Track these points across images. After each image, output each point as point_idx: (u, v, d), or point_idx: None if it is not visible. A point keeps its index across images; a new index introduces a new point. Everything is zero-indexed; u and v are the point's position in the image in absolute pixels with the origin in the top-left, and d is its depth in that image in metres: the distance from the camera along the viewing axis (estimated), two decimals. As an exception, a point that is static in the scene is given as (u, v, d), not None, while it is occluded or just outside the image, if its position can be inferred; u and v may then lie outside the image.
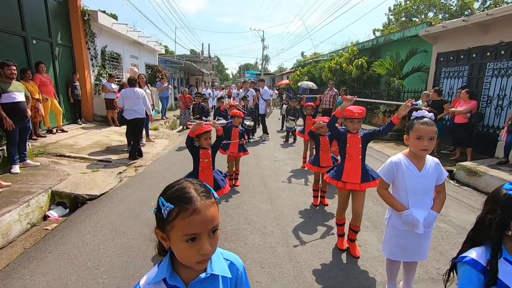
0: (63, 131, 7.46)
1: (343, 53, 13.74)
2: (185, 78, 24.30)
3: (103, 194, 4.33)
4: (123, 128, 8.42)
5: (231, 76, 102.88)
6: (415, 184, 1.90)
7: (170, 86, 12.24)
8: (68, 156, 5.75)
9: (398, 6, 25.39)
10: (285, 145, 8.12)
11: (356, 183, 2.68)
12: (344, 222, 2.91)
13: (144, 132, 7.70)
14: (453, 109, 6.63)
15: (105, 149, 6.59)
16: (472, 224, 1.20)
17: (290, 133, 8.40)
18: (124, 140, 7.21)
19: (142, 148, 7.07)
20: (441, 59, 8.92)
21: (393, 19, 26.92)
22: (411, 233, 1.96)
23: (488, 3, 22.07)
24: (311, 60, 19.79)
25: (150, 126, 8.07)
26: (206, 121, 3.18)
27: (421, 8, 24.38)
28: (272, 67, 78.60)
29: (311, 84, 13.63)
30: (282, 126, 11.16)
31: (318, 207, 3.94)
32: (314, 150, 5.04)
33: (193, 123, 2.96)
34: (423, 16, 25.00)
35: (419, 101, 7.81)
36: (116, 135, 8.09)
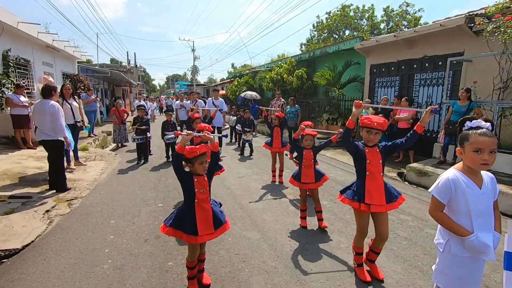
0: None
1: (282, 64, 14.10)
2: (110, 89, 21.74)
3: (27, 245, 3.15)
4: (40, 151, 6.77)
5: (158, 87, 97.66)
6: (478, 204, 1.68)
7: (98, 98, 10.56)
8: (-38, 196, 4.18)
9: (320, 24, 27.84)
10: (242, 158, 7.65)
11: (382, 204, 2.40)
12: (363, 250, 2.59)
13: (71, 153, 6.29)
14: (398, 116, 7.18)
15: (19, 181, 5.06)
16: None
17: (247, 145, 7.98)
18: (44, 166, 5.71)
19: (72, 174, 5.72)
20: (374, 70, 9.80)
21: (316, 35, 29.39)
22: (472, 260, 1.73)
23: (390, 25, 25.93)
24: (248, 71, 19.90)
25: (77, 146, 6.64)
26: (199, 132, 2.46)
27: (340, 26, 27.23)
28: (202, 78, 77.59)
29: (254, 95, 13.56)
30: (232, 138, 10.70)
31: (309, 228, 3.58)
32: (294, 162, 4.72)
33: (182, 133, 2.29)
34: (341, 33, 27.96)
35: (364, 110, 8.35)
36: (32, 160, 6.41)
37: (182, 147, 2.20)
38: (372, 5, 26.47)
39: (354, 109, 2.40)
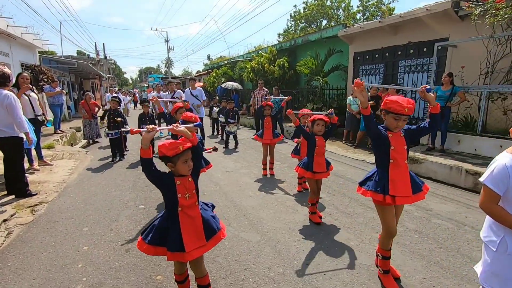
0: None
1: (263, 53, 13.67)
2: (77, 82, 20.23)
3: (-22, 265, 2.57)
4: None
5: (130, 81, 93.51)
6: None
7: (64, 91, 9.59)
8: None
9: (297, 13, 27.55)
10: (227, 151, 7.21)
11: (407, 196, 2.10)
12: (391, 253, 2.29)
13: (34, 152, 5.55)
14: None
15: (-30, 186, 4.33)
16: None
17: (231, 138, 7.54)
18: (1, 168, 4.97)
19: (36, 176, 5.04)
20: (358, 58, 9.63)
21: (293, 25, 29.08)
22: (528, 258, 1.47)
23: (366, 15, 26.17)
24: (226, 62, 19.24)
25: (41, 143, 5.88)
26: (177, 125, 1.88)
27: (317, 16, 27.09)
28: (176, 71, 75.18)
29: (235, 85, 13.05)
30: (213, 131, 10.20)
31: (313, 223, 3.26)
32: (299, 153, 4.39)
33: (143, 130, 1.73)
34: (318, 23, 27.86)
35: (350, 97, 8.17)
36: (-14, 161, 5.59)
37: (145, 149, 1.70)
38: (348, -5, 26.54)
39: (358, 95, 2.00)
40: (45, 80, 10.02)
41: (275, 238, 2.96)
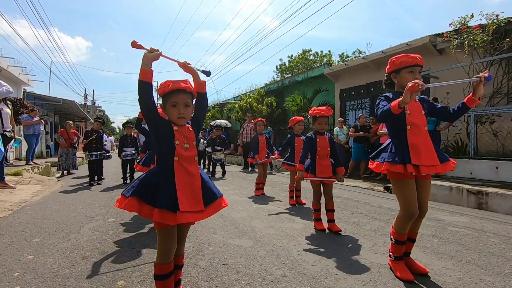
0: None
1: (251, 94, 14.02)
2: (61, 123, 19.80)
3: None
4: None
5: (118, 130, 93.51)
6: None
7: (43, 121, 9.14)
8: None
9: (283, 65, 29.43)
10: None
11: (434, 164, 1.81)
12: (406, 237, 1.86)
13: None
14: (380, 131, 6.94)
15: None
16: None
17: (218, 167, 7.12)
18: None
19: (-8, 196, 4.36)
20: (344, 94, 9.93)
21: (279, 76, 30.78)
22: None
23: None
24: (214, 105, 19.61)
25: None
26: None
27: (301, 68, 28.98)
28: (165, 119, 76.04)
29: (224, 123, 13.02)
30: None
31: (318, 231, 2.77)
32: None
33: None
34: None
35: (336, 128, 8.19)
36: None
37: (146, 70, 1.39)
38: (329, 50, 28.91)
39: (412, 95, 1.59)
40: (26, 113, 9.62)
41: (271, 243, 2.44)
